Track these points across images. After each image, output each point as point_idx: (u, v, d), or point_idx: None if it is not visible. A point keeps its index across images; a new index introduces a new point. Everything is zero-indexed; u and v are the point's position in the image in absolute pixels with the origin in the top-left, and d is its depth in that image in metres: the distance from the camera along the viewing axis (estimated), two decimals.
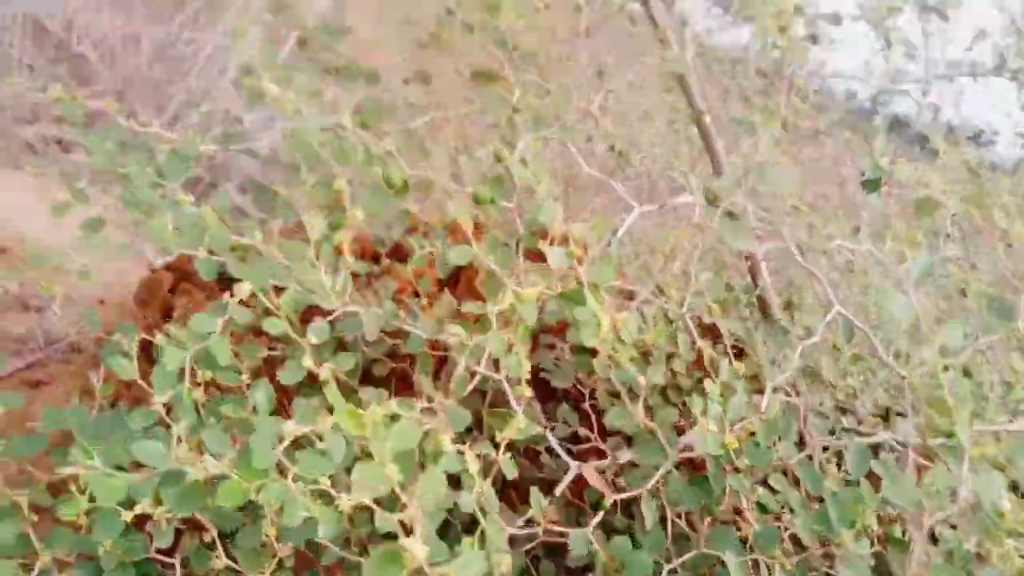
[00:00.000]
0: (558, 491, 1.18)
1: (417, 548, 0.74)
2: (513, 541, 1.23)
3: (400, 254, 1.93)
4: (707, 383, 1.19)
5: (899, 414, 1.82)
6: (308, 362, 1.00)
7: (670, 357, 1.32)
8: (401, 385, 1.64)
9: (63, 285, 3.30)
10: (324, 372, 0.99)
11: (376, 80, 1.49)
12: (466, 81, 1.48)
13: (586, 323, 1.06)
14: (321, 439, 0.93)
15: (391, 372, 1.58)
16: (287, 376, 1.03)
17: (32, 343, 2.58)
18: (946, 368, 0.98)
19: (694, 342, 1.34)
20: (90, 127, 1.51)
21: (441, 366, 1.52)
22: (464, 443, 1.07)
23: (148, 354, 1.30)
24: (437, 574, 0.75)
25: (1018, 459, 0.97)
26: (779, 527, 1.15)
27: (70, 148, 5.84)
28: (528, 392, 1.13)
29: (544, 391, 1.63)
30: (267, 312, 1.07)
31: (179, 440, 0.95)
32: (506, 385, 1.14)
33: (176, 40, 6.10)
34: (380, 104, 1.43)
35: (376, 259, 1.91)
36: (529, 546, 1.19)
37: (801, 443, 1.45)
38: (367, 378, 1.54)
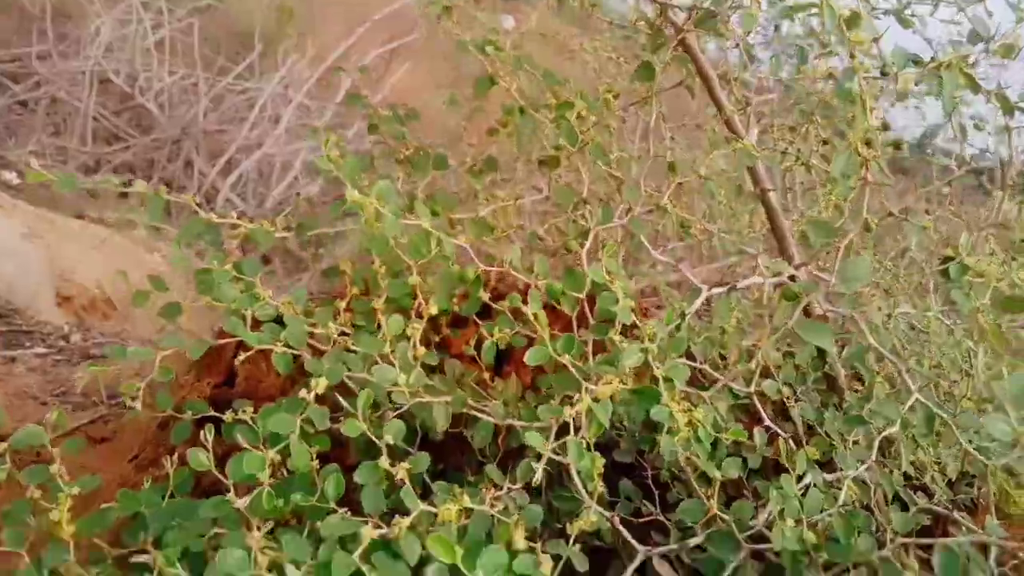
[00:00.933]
0: None
1: None
2: None
3: (459, 322, 1.94)
4: (784, 478, 1.17)
5: (968, 483, 1.76)
6: (384, 463, 1.01)
7: (741, 446, 1.30)
8: (457, 448, 1.64)
9: (127, 337, 3.40)
10: (400, 473, 0.99)
11: (445, 166, 1.52)
12: (533, 167, 1.50)
13: (663, 424, 1.06)
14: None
15: (447, 434, 1.58)
16: (363, 476, 1.04)
17: (95, 396, 2.64)
18: None
19: (767, 428, 1.32)
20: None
21: (502, 440, 1.52)
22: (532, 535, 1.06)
23: (217, 426, 1.33)
24: None
25: None
26: None
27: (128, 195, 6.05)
28: (601, 487, 1.12)
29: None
30: (346, 413, 1.08)
31: (256, 542, 0.96)
32: (577, 479, 1.13)
33: (232, 90, 6.33)
34: (449, 192, 1.45)
35: (436, 326, 1.92)
36: None
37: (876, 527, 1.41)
38: (424, 441, 1.55)
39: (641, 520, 1.47)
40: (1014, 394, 0.95)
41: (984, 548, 1.19)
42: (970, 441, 1.24)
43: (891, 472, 1.54)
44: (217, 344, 2.07)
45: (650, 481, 1.54)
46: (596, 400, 1.06)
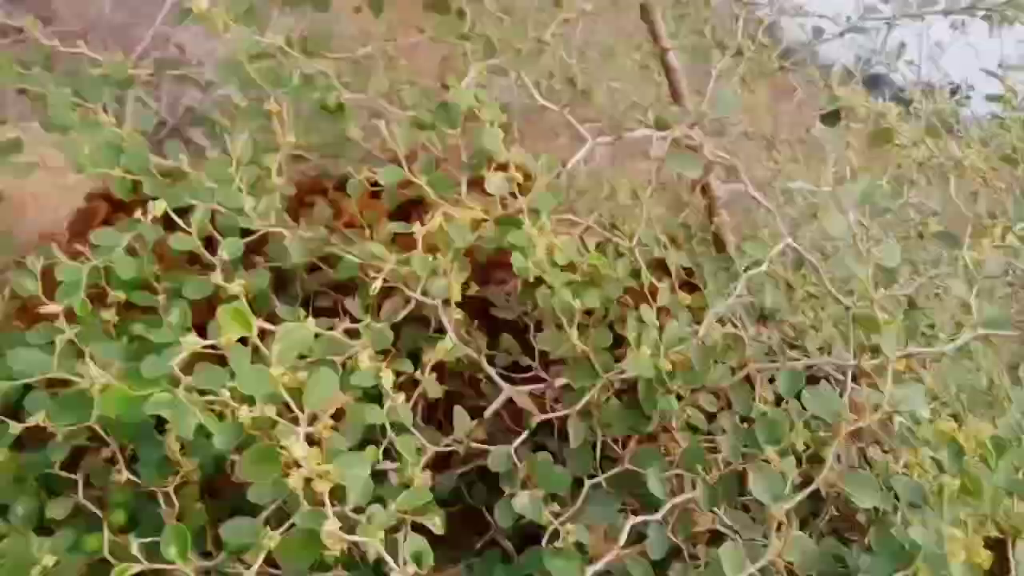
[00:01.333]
0: (488, 412, 1.16)
1: (295, 446, 0.71)
2: (447, 464, 1.21)
3: (346, 187, 1.88)
4: (644, 308, 1.16)
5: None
6: (218, 278, 0.95)
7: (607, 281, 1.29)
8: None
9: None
10: (234, 288, 0.93)
11: (325, 7, 1.42)
12: (419, 10, 1.42)
13: (519, 246, 1.03)
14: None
15: (335, 304, 1.54)
16: (191, 290, 0.99)
17: None
18: (877, 285, 0.96)
19: (638, 271, 1.31)
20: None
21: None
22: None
23: None
24: (320, 472, 0.72)
25: (950, 381, 0.96)
26: (707, 446, 1.14)
27: None
28: (458, 314, 1.10)
29: (493, 325, 1.60)
30: (178, 228, 1.02)
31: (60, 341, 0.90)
32: (440, 308, 1.10)
33: None
34: (327, 31, 1.36)
35: (325, 193, 1.85)
36: (464, 469, 1.18)
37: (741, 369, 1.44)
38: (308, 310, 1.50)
39: (522, 375, 1.47)
40: (858, 197, 0.94)
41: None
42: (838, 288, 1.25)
43: (769, 338, 1.56)
44: (87, 208, 1.96)
45: (531, 338, 1.54)
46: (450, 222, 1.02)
